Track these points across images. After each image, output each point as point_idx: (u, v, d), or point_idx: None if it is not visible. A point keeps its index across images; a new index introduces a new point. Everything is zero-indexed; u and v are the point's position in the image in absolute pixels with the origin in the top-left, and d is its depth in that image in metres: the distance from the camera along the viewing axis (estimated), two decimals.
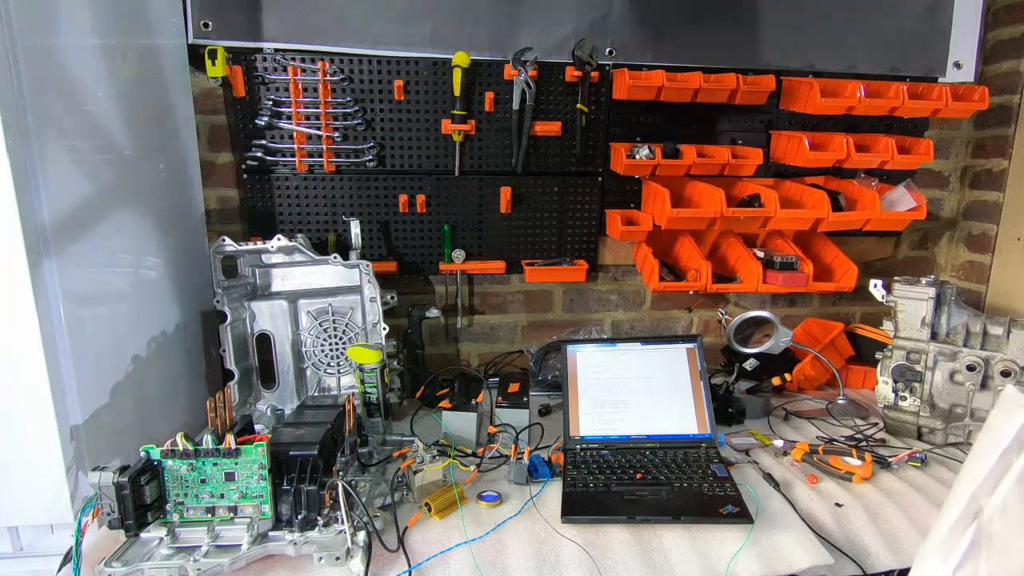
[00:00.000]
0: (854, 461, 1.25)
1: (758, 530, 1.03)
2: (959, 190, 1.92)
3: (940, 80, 1.78)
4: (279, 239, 1.42)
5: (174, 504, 0.96)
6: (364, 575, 0.92)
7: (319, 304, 1.48)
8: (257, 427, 1.17)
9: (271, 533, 0.95)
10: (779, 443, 1.33)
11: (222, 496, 0.96)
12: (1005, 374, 1.30)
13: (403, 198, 1.65)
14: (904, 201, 1.68)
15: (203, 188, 1.55)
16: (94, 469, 0.89)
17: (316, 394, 1.50)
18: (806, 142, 1.61)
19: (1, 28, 0.87)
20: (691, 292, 1.81)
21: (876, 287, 1.45)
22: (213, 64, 1.48)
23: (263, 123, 1.56)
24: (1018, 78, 1.71)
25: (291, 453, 0.99)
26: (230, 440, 0.94)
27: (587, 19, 1.62)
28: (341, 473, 1.05)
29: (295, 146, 1.58)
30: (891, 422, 1.44)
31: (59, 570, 0.95)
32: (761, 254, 1.66)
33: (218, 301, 1.38)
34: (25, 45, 0.91)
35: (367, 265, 1.46)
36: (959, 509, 0.44)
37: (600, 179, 1.73)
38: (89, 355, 1.04)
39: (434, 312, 1.66)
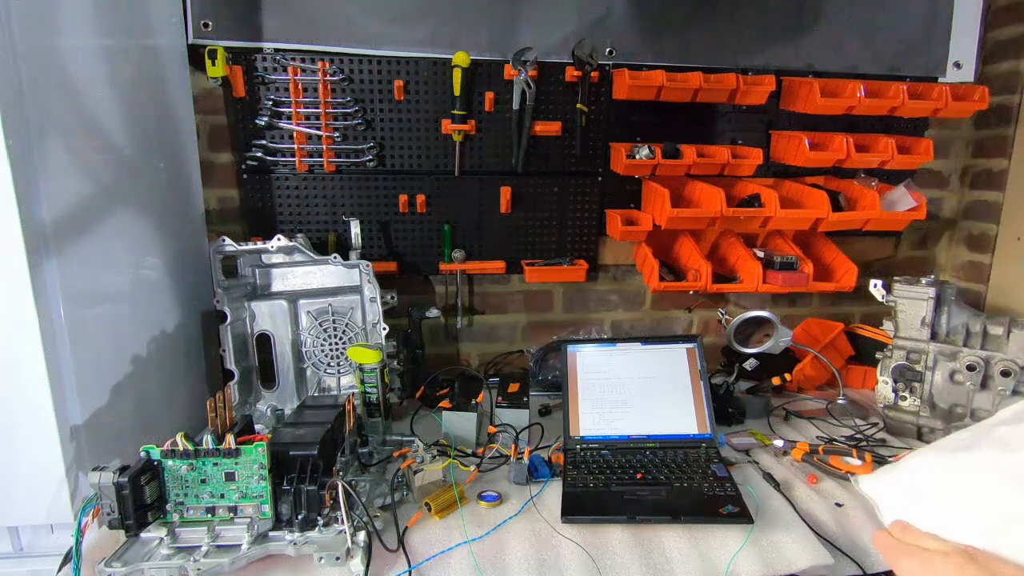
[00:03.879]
0: (854, 461, 1.24)
1: (758, 530, 1.03)
2: (959, 190, 1.91)
3: (940, 80, 1.78)
4: (279, 239, 1.43)
5: (174, 504, 0.96)
6: (364, 575, 0.92)
7: (319, 304, 1.48)
8: (257, 427, 1.17)
9: (271, 533, 0.95)
10: (779, 443, 1.33)
11: (222, 496, 0.96)
12: (1005, 374, 1.30)
13: (403, 198, 1.65)
14: (904, 201, 1.67)
15: (203, 188, 1.55)
16: (94, 469, 0.89)
17: (316, 394, 1.50)
18: (806, 142, 1.61)
19: (1, 28, 0.87)
20: (691, 292, 1.81)
21: (876, 287, 1.45)
22: (213, 64, 1.48)
23: (263, 123, 1.56)
24: (1018, 78, 1.71)
25: (291, 453, 0.98)
26: (230, 440, 0.94)
27: (587, 19, 1.61)
28: (341, 473, 1.05)
29: (295, 146, 1.58)
30: (891, 422, 1.44)
31: (59, 570, 0.95)
32: (761, 254, 1.66)
33: (218, 301, 1.38)
34: (26, 46, 0.91)
35: (367, 265, 1.46)
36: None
37: (600, 179, 1.73)
38: (89, 355, 1.04)
39: (434, 312, 1.66)
